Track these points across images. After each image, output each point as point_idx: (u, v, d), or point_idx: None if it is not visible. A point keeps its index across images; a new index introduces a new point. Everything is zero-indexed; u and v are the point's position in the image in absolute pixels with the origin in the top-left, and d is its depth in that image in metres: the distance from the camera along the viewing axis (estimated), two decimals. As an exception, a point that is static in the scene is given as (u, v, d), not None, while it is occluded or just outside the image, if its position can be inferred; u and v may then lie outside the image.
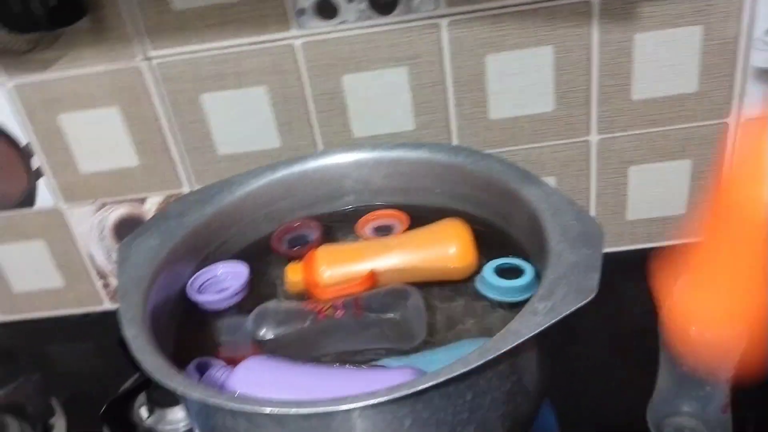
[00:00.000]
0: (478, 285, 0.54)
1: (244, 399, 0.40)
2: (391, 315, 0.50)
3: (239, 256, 0.61)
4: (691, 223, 0.77)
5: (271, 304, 0.53)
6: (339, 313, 0.51)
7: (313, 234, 0.64)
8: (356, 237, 0.63)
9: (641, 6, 0.67)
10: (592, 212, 0.79)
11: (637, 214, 0.79)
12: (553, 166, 0.76)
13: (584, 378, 0.65)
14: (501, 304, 0.52)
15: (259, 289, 0.57)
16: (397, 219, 0.64)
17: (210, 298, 0.55)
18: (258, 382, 0.44)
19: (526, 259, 0.53)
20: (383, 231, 0.63)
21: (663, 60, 0.70)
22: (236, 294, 0.56)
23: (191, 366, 0.46)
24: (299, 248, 0.62)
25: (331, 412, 0.38)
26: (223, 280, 0.58)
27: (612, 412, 0.60)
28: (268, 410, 0.37)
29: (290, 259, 0.60)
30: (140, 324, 0.46)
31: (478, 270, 0.55)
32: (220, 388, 0.46)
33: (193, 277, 0.57)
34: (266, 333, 0.50)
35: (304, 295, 0.56)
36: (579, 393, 0.63)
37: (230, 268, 0.58)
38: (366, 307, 0.52)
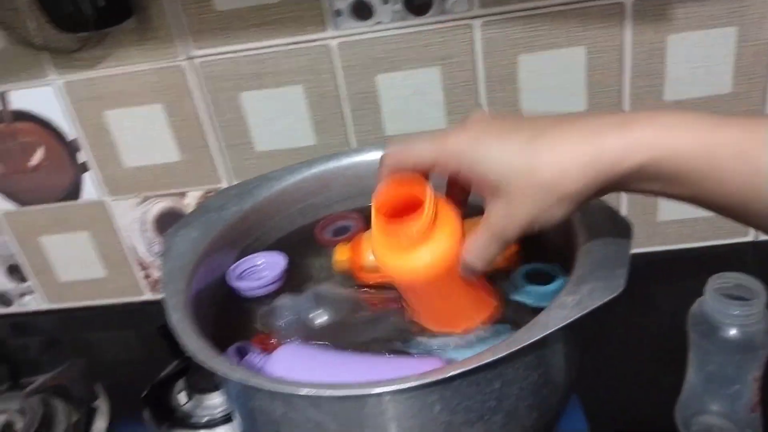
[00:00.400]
0: (509, 290, 0.53)
1: (282, 381, 0.42)
2: None
3: (275, 248, 0.63)
4: (721, 223, 0.78)
5: (325, 287, 0.55)
6: (393, 305, 0.53)
7: (355, 225, 0.66)
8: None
9: (674, 7, 0.68)
10: (623, 212, 0.79)
11: (668, 215, 0.79)
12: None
13: (613, 376, 0.65)
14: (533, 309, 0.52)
15: (296, 279, 0.59)
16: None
17: (249, 285, 0.58)
18: (294, 367, 0.46)
19: (556, 263, 0.54)
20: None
21: (696, 61, 0.70)
22: (274, 282, 0.58)
23: (231, 349, 0.48)
24: (343, 237, 0.63)
25: (364, 395, 0.40)
26: (261, 270, 0.60)
27: (640, 411, 0.61)
28: (304, 392, 0.39)
29: (334, 246, 0.62)
30: (183, 310, 0.48)
31: (516, 260, 0.56)
32: (258, 372, 0.48)
33: (233, 266, 0.59)
34: (320, 315, 0.52)
35: (348, 276, 0.58)
36: (608, 391, 0.63)
37: (269, 258, 0.60)
38: None
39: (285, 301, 0.54)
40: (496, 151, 0.37)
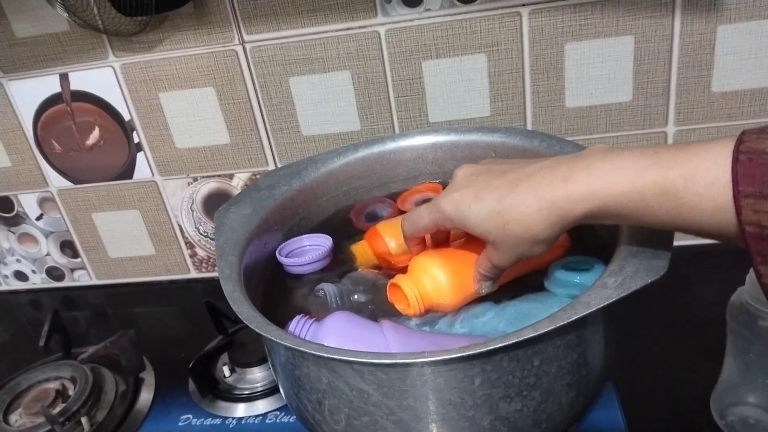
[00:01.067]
0: (549, 285, 0.54)
1: (329, 348, 0.43)
2: None
3: (321, 228, 0.65)
4: None
5: (366, 272, 0.58)
6: None
7: (389, 210, 0.67)
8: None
9: (726, -3, 0.67)
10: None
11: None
12: (627, 156, 0.77)
13: (650, 365, 0.65)
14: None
15: (340, 258, 0.61)
16: (436, 192, 0.68)
17: (295, 261, 0.60)
18: (343, 334, 0.48)
19: (596, 257, 0.54)
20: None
21: (746, 52, 0.69)
22: (320, 260, 0.60)
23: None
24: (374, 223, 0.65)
25: (408, 364, 0.41)
26: (308, 250, 0.62)
27: (676, 400, 0.61)
28: (349, 359, 0.41)
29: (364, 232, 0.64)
30: (236, 281, 0.50)
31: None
32: (306, 337, 0.49)
33: (281, 245, 0.61)
34: (360, 295, 0.55)
35: (379, 269, 0.60)
36: (644, 380, 0.63)
37: (315, 240, 0.62)
38: None
39: (324, 286, 0.56)
40: (474, 214, 0.45)
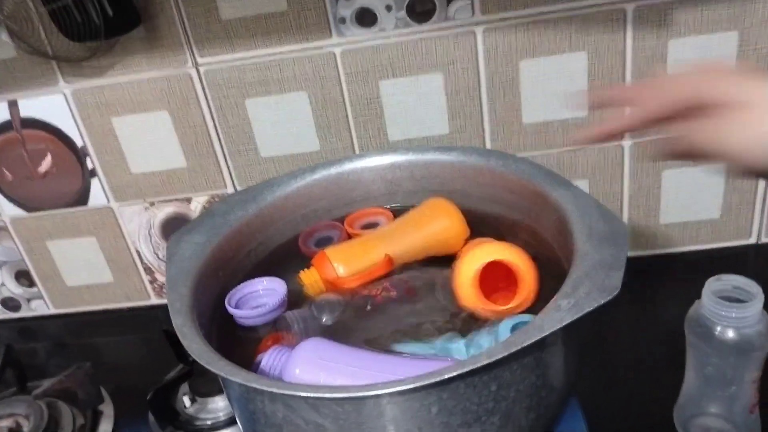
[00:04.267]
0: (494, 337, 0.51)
1: (282, 383, 0.42)
2: (434, 293, 0.55)
3: (278, 252, 0.64)
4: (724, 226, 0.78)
5: (330, 295, 0.57)
6: (393, 294, 0.55)
7: (338, 235, 0.66)
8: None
9: (675, 12, 0.68)
10: (625, 216, 0.80)
11: (671, 217, 0.79)
12: (585, 170, 0.77)
13: (613, 378, 0.65)
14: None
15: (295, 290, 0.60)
16: (383, 216, 0.68)
17: (246, 314, 0.57)
18: (315, 361, 0.46)
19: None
20: (371, 227, 0.67)
21: (697, 66, 0.70)
22: (272, 311, 0.57)
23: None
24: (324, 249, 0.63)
25: (362, 398, 0.40)
26: (261, 296, 0.59)
27: (640, 413, 0.61)
28: (303, 394, 0.40)
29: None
30: (187, 314, 0.49)
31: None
32: (280, 367, 0.48)
33: (231, 292, 0.58)
34: (329, 319, 0.54)
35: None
36: (608, 393, 0.64)
37: (269, 285, 0.60)
38: (414, 286, 0.56)
39: (288, 314, 0.55)
40: (748, 78, 0.38)
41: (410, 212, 0.64)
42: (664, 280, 0.78)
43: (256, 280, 0.59)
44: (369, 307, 0.56)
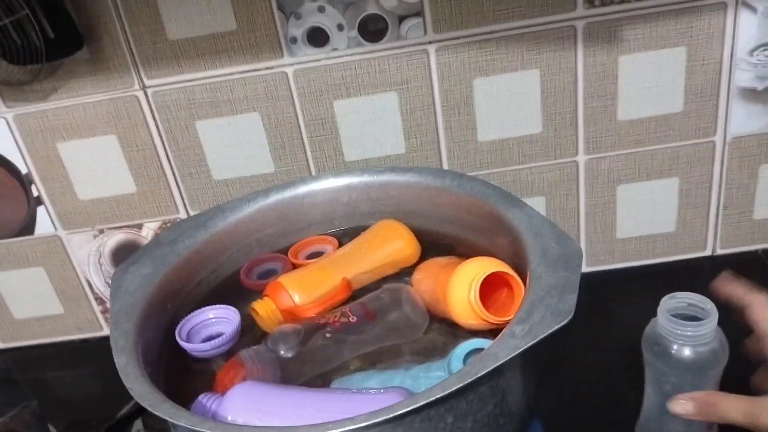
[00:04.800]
0: (446, 368, 0.50)
1: (227, 425, 0.40)
2: (397, 311, 0.54)
3: (232, 280, 0.62)
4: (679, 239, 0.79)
5: (286, 326, 0.54)
6: (353, 319, 0.54)
7: (281, 266, 0.64)
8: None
9: (624, 29, 0.69)
10: (582, 231, 0.80)
11: (627, 232, 0.80)
12: (541, 187, 0.77)
13: (574, 395, 0.65)
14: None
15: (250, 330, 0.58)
16: (329, 244, 0.67)
17: (199, 347, 0.55)
18: (248, 407, 0.45)
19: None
20: (316, 256, 0.65)
21: (648, 81, 0.71)
22: (226, 343, 0.55)
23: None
24: (269, 281, 0.61)
25: (313, 437, 0.39)
26: (213, 324, 0.57)
27: (602, 430, 0.61)
28: (250, 436, 0.38)
29: (259, 291, 0.60)
30: (131, 352, 0.47)
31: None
32: (211, 414, 0.46)
33: (182, 321, 0.56)
34: (288, 351, 0.52)
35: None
36: (569, 411, 0.63)
37: (222, 314, 0.58)
38: (373, 309, 0.55)
39: (245, 352, 0.53)
40: None
41: (362, 236, 0.63)
42: (623, 294, 0.78)
43: (207, 308, 0.57)
44: (328, 335, 0.54)
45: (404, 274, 0.62)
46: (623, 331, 0.72)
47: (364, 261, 0.61)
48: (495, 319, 0.49)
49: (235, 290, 0.62)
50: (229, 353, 0.55)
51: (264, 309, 0.57)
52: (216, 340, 0.54)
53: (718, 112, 0.72)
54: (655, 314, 0.53)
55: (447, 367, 0.47)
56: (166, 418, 0.40)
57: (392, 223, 0.63)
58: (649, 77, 0.71)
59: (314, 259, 0.64)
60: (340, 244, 0.66)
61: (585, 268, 0.81)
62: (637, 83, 0.71)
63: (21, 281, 0.86)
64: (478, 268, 0.51)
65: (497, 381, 0.43)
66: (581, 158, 0.75)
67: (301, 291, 0.58)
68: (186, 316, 0.57)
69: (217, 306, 0.58)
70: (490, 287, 0.50)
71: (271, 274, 0.64)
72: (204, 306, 0.58)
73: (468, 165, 0.76)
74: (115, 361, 0.46)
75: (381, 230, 0.63)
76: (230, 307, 0.57)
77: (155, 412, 0.41)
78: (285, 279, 0.58)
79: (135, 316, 0.51)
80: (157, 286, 0.55)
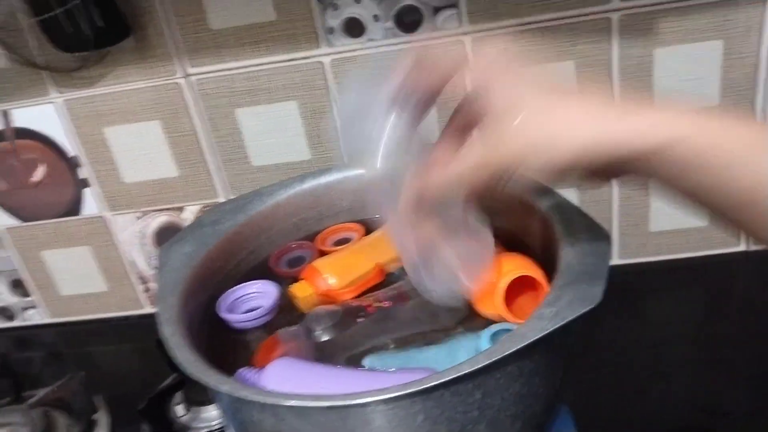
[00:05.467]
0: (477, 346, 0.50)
1: (268, 392, 0.43)
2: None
3: (267, 262, 0.64)
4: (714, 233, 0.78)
5: (322, 308, 0.56)
6: (386, 304, 0.55)
7: (310, 254, 0.65)
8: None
9: (661, 21, 0.69)
10: (615, 223, 0.80)
11: (660, 225, 0.80)
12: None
13: (606, 387, 0.66)
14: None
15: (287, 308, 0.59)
16: (355, 231, 0.67)
17: (239, 318, 0.57)
18: (286, 380, 0.47)
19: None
20: (342, 243, 0.66)
21: (683, 74, 0.71)
22: (265, 315, 0.57)
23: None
24: (298, 269, 0.62)
25: (349, 406, 0.41)
26: (253, 298, 0.59)
27: (633, 422, 0.61)
28: (289, 403, 0.40)
29: (289, 278, 0.62)
30: (176, 324, 0.49)
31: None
32: (251, 384, 0.48)
33: (224, 294, 0.59)
34: (323, 333, 0.53)
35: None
36: (600, 402, 0.64)
37: (261, 288, 0.60)
38: (409, 293, 0.55)
39: (284, 332, 0.54)
40: (523, 84, 0.39)
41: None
42: (654, 288, 0.78)
43: (248, 283, 0.60)
44: (360, 319, 0.55)
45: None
46: (655, 323, 0.73)
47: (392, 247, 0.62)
48: (512, 319, 0.51)
49: (272, 271, 0.65)
50: (268, 328, 0.57)
51: (301, 292, 0.59)
52: (255, 312, 0.57)
53: (755, 107, 0.72)
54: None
55: (475, 348, 0.49)
56: (211, 385, 0.42)
57: None
58: (684, 70, 0.71)
59: (345, 245, 0.66)
60: (368, 232, 0.67)
61: (617, 261, 0.81)
62: (672, 76, 0.71)
63: (68, 260, 0.91)
64: (513, 266, 0.52)
65: (525, 361, 0.45)
66: (614, 150, 0.76)
67: (336, 274, 0.59)
68: (226, 291, 0.59)
69: (257, 281, 0.60)
70: (517, 287, 0.51)
71: (299, 261, 0.65)
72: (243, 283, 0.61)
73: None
74: (162, 331, 0.48)
75: None
76: (270, 281, 0.60)
77: (200, 380, 0.43)
78: (320, 263, 0.60)
79: (179, 291, 0.53)
80: (199, 264, 0.57)
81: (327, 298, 0.59)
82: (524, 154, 0.38)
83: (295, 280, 0.61)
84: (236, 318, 0.57)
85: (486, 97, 0.40)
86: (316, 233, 0.68)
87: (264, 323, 0.58)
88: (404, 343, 0.53)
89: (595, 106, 0.37)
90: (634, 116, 0.36)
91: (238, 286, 0.60)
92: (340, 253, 0.64)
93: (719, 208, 0.37)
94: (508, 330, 0.49)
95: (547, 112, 0.37)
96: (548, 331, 0.41)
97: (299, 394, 0.41)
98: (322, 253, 0.65)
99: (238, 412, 0.46)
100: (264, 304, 0.58)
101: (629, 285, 0.77)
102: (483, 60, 0.42)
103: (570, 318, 0.41)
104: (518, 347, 0.40)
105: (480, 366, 0.40)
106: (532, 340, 0.40)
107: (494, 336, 0.49)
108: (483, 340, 0.48)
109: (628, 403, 0.63)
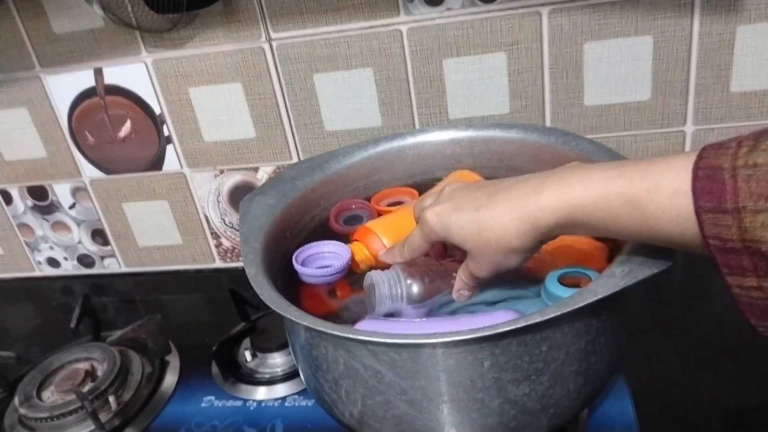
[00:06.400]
0: (543, 296, 0.52)
1: (344, 329, 0.45)
2: None
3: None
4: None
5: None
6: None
7: (367, 214, 0.67)
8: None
9: (746, -2, 0.68)
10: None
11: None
12: (645, 155, 0.78)
13: (664, 362, 0.66)
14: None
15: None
16: (408, 195, 0.69)
17: (312, 272, 0.59)
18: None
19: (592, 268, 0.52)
20: (353, 221, 0.68)
21: (765, 53, 0.70)
22: (337, 273, 0.59)
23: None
24: (354, 228, 0.64)
25: (420, 345, 0.43)
26: (326, 258, 0.61)
27: (688, 400, 0.61)
28: (364, 337, 0.43)
29: (344, 235, 0.64)
30: (258, 265, 0.53)
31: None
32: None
33: (298, 251, 0.61)
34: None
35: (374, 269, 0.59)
36: (657, 376, 0.64)
37: (334, 249, 0.62)
38: None
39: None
40: (454, 224, 0.48)
41: (438, 186, 0.65)
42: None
43: (322, 242, 0.62)
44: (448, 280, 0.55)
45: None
46: (717, 306, 0.72)
47: None
48: None
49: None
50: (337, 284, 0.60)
51: (356, 251, 0.60)
52: (328, 269, 0.59)
53: (840, 88, 0.70)
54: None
55: (543, 289, 0.51)
56: (292, 318, 0.45)
57: (467, 173, 0.66)
58: (767, 48, 0.70)
59: (393, 207, 0.68)
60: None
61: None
62: (754, 54, 0.70)
63: (147, 213, 0.96)
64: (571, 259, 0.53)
65: (592, 319, 0.46)
66: (689, 128, 0.75)
67: (389, 235, 0.61)
68: (299, 246, 0.62)
69: (332, 241, 0.62)
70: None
71: (356, 220, 0.67)
72: (314, 239, 0.63)
73: (571, 128, 0.77)
74: (247, 271, 0.52)
75: (457, 180, 0.65)
76: (343, 244, 0.62)
77: (282, 313, 0.46)
78: (373, 224, 0.62)
79: (261, 237, 0.57)
80: (279, 215, 0.61)
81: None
82: (493, 266, 0.48)
83: (350, 238, 0.63)
84: (309, 272, 0.60)
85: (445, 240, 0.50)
86: (343, 203, 0.69)
87: (334, 281, 0.60)
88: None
89: (507, 205, 0.45)
90: (533, 201, 0.43)
91: (313, 243, 0.62)
92: (391, 215, 0.65)
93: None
94: (576, 272, 0.51)
95: (482, 233, 0.46)
96: (620, 288, 0.42)
97: (374, 331, 0.44)
98: (379, 213, 0.67)
99: (313, 348, 0.49)
100: (335, 264, 0.60)
101: (693, 266, 0.76)
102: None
103: (642, 277, 0.42)
104: (588, 302, 0.42)
105: (549, 317, 0.41)
106: (603, 296, 0.42)
107: (562, 277, 0.51)
108: (549, 283, 0.50)
109: (686, 384, 0.63)
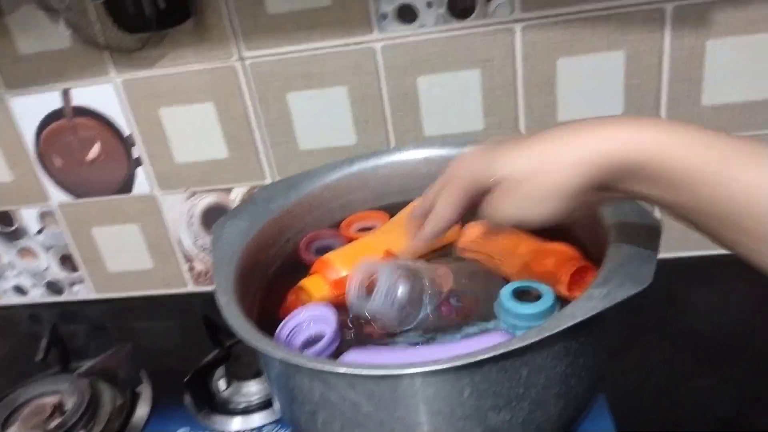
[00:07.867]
0: (496, 309, 0.52)
1: (320, 360, 0.44)
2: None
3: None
4: None
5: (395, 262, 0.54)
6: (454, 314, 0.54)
7: (338, 242, 0.66)
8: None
9: (714, 12, 0.68)
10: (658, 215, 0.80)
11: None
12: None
13: (643, 377, 0.66)
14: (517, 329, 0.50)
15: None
16: (379, 219, 0.68)
17: (312, 353, 0.50)
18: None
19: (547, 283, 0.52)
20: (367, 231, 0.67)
21: (735, 66, 0.70)
22: (331, 344, 0.52)
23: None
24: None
25: (397, 376, 0.42)
26: (310, 327, 0.54)
27: (668, 415, 0.61)
28: (341, 370, 0.42)
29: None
30: (231, 293, 0.51)
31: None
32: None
33: (280, 326, 0.54)
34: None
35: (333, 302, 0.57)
36: (637, 392, 0.64)
37: (312, 313, 0.55)
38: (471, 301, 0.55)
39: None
40: (501, 156, 0.42)
41: (406, 209, 0.65)
42: (697, 282, 0.78)
43: (300, 310, 0.55)
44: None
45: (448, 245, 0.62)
46: (696, 317, 0.72)
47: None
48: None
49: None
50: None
51: (312, 284, 0.58)
52: (323, 342, 0.51)
53: (811, 102, 0.71)
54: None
55: (498, 307, 0.50)
56: (265, 351, 0.44)
57: None
58: (737, 62, 0.70)
59: (361, 233, 0.67)
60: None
61: (662, 254, 0.81)
62: (724, 68, 0.70)
63: (117, 236, 0.93)
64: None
65: (572, 341, 0.45)
66: (662, 142, 0.75)
67: (347, 265, 0.58)
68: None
69: (309, 306, 0.56)
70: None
71: (329, 249, 0.65)
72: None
73: (547, 144, 0.77)
74: (219, 299, 0.50)
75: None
76: (320, 304, 0.56)
77: (255, 346, 0.45)
78: (330, 256, 0.60)
79: (234, 264, 0.55)
80: (252, 239, 0.59)
81: (338, 288, 0.58)
82: (526, 208, 0.42)
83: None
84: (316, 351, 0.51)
85: (476, 177, 0.45)
86: (314, 233, 0.68)
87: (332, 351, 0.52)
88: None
89: (572, 135, 0.40)
90: (615, 131, 0.38)
91: (291, 314, 0.55)
92: (351, 245, 0.64)
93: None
94: (526, 287, 0.51)
95: (534, 163, 0.41)
96: (598, 310, 0.41)
97: (350, 363, 0.43)
98: (349, 239, 0.66)
99: (289, 380, 0.48)
100: (327, 330, 0.52)
101: (671, 279, 0.76)
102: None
103: (620, 299, 0.42)
104: (568, 325, 0.41)
105: (528, 343, 0.40)
106: (581, 319, 0.41)
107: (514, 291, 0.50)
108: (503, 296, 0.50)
109: (666, 398, 0.63)
